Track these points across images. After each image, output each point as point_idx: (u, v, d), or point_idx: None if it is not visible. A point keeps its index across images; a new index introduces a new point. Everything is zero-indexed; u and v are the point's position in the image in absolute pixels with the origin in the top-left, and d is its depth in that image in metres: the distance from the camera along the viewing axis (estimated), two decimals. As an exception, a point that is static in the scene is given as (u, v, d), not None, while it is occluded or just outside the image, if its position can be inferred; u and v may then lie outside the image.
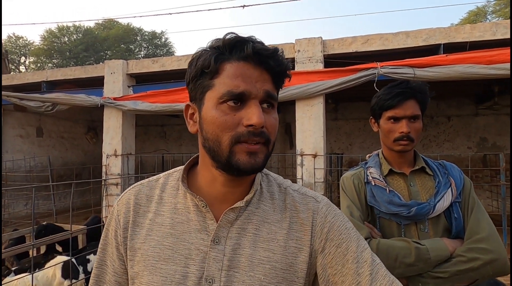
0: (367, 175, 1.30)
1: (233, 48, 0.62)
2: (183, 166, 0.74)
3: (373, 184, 1.26)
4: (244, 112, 0.61)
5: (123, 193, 0.76)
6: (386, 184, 1.24)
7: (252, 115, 0.60)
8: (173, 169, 0.78)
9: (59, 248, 4.07)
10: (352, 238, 0.69)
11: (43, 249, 4.10)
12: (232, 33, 0.64)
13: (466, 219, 1.17)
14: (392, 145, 1.25)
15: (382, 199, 1.22)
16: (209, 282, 0.63)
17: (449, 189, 1.20)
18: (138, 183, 0.77)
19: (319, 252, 0.68)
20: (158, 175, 0.78)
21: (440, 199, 1.17)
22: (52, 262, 3.01)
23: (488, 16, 18.69)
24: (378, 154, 1.37)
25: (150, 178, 0.78)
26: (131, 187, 0.76)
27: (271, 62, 0.62)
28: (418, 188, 1.24)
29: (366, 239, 1.13)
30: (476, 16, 18.87)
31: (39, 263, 3.21)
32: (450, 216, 1.19)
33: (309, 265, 0.67)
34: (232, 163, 0.61)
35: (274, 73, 0.63)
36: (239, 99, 0.61)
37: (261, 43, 0.63)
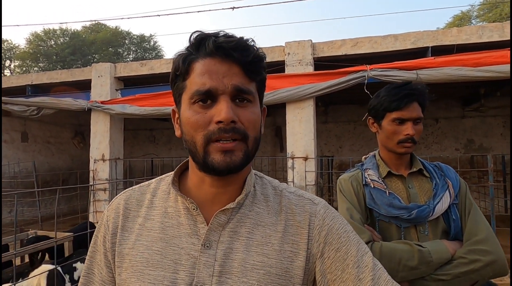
0: (365, 177, 1.28)
1: (198, 46, 0.62)
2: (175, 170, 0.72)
3: (372, 186, 1.24)
4: (214, 110, 0.60)
5: (113, 199, 0.74)
6: (385, 187, 1.23)
7: (220, 111, 0.58)
8: (165, 174, 0.76)
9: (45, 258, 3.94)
10: (352, 241, 0.66)
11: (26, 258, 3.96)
12: (197, 31, 0.63)
13: (464, 221, 1.18)
14: (395, 147, 1.24)
15: (382, 202, 1.20)
16: None
17: (447, 191, 1.20)
18: (129, 188, 0.75)
19: (317, 257, 0.65)
20: (149, 181, 0.76)
21: (439, 201, 1.17)
22: (36, 271, 2.91)
23: (473, 21, 19.13)
24: (374, 156, 1.35)
25: (141, 183, 0.76)
26: (122, 192, 0.74)
27: (235, 54, 0.60)
28: (417, 190, 1.23)
29: (368, 242, 1.12)
30: (461, 21, 19.29)
31: (23, 273, 3.10)
32: (448, 218, 1.19)
33: (306, 270, 0.64)
34: (208, 163, 0.60)
35: (242, 64, 0.61)
36: (208, 97, 0.60)
37: (227, 36, 0.61)
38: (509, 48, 3.81)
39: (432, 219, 1.18)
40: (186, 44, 0.65)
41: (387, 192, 1.21)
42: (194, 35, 0.62)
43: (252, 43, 0.62)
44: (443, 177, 1.24)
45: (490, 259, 1.06)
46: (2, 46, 24.55)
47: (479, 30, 4.40)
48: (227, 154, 0.59)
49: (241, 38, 0.61)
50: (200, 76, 0.60)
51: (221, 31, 0.63)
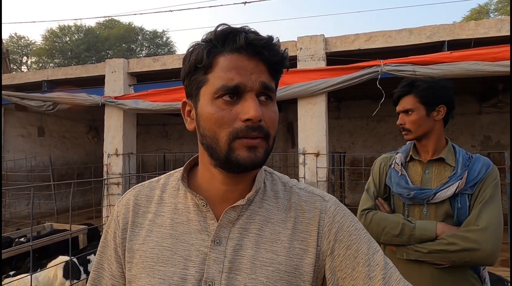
0: (394, 159, 1.49)
1: (226, 40, 0.60)
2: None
3: (393, 167, 1.46)
4: (240, 106, 0.59)
5: (123, 195, 0.74)
6: (401, 168, 1.42)
7: (249, 108, 0.57)
8: (174, 170, 0.76)
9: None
10: (363, 239, 0.65)
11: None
12: (224, 24, 0.61)
13: (472, 210, 1.27)
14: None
15: (394, 181, 1.41)
16: (209, 284, 0.60)
17: (458, 181, 1.29)
18: (139, 184, 0.75)
19: (327, 254, 0.64)
20: (159, 176, 0.76)
21: (444, 188, 1.30)
22: (53, 262, 2.99)
23: (491, 14, 18.58)
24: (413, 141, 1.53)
25: (151, 179, 0.76)
26: (131, 188, 0.75)
27: (265, 52, 0.59)
28: (432, 176, 1.37)
29: (366, 209, 1.39)
30: (478, 14, 18.76)
31: (41, 264, 3.19)
32: (454, 204, 1.31)
33: (315, 268, 0.64)
34: (232, 160, 0.59)
35: (269, 63, 0.60)
36: (234, 93, 0.59)
37: (255, 33, 0.60)
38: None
39: (436, 202, 1.31)
40: (205, 36, 0.63)
41: (400, 173, 1.41)
42: (221, 28, 0.61)
43: (278, 42, 0.61)
44: (465, 169, 1.31)
45: (469, 246, 1.17)
46: (20, 43, 25.07)
47: (498, 23, 4.26)
48: (251, 150, 0.59)
49: (270, 37, 0.60)
50: (226, 71, 0.58)
51: (245, 25, 0.62)
